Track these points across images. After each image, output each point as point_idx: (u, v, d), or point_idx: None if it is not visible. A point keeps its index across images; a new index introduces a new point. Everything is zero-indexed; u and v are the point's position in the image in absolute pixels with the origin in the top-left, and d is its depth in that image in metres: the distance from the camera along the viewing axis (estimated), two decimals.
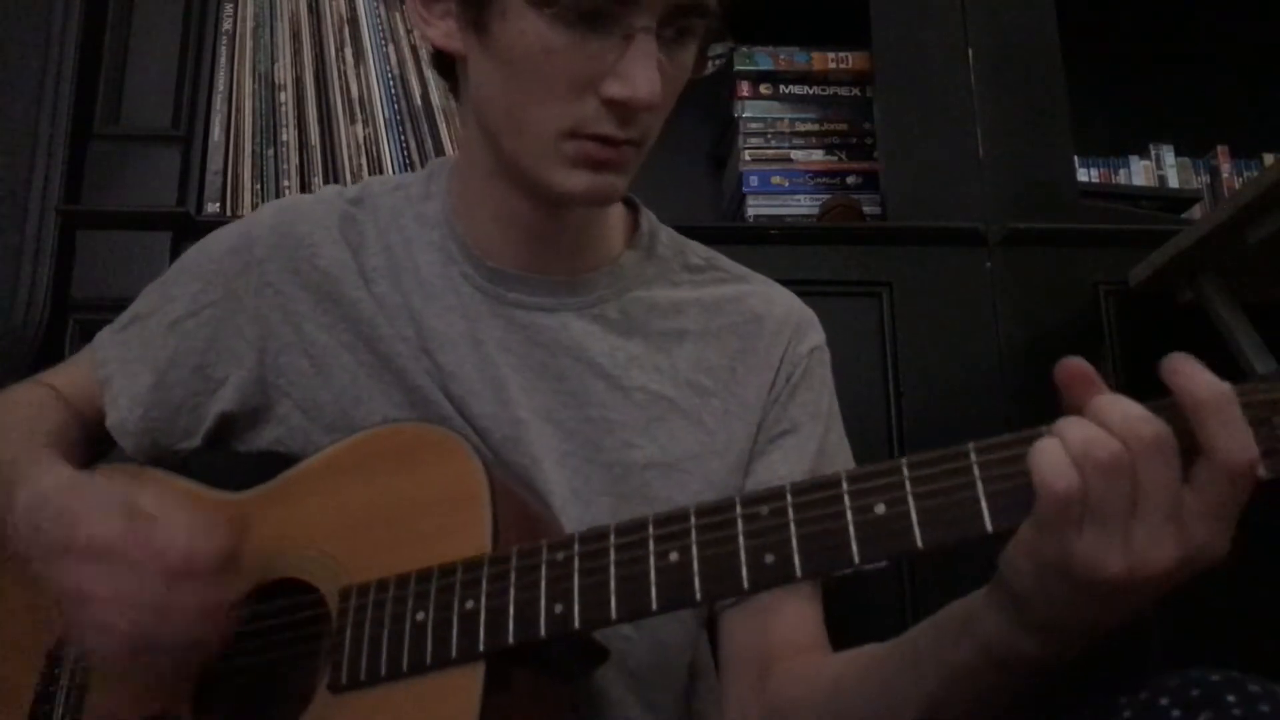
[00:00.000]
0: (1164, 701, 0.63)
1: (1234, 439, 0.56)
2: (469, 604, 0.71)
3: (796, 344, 0.99)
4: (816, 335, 1.01)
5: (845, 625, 0.98)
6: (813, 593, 0.93)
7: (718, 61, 0.89)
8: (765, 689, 0.88)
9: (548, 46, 0.80)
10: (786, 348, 0.98)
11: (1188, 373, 0.57)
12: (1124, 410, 0.57)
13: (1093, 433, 0.57)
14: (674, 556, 0.66)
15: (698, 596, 0.66)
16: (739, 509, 0.65)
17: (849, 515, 0.62)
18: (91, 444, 0.99)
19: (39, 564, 0.78)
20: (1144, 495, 0.56)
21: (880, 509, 0.62)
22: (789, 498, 0.64)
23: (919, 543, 0.61)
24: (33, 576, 0.80)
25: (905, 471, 0.62)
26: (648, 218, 1.03)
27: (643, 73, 0.78)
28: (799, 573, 0.63)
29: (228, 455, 1.00)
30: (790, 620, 0.90)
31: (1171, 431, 0.56)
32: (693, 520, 0.67)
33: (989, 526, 0.60)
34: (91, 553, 0.74)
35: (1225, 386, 0.57)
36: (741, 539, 0.65)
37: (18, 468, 0.86)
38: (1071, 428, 0.58)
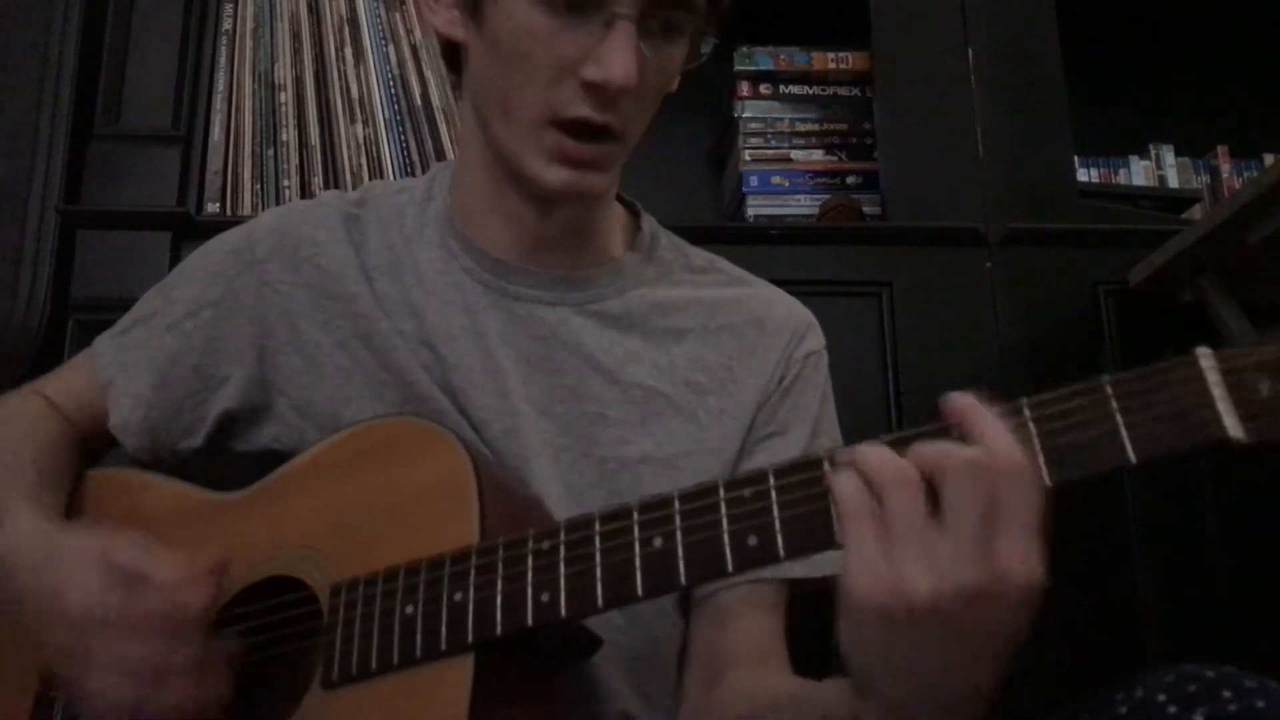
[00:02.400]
0: (1160, 698, 0.64)
1: (1000, 438, 0.57)
2: (457, 596, 0.71)
3: (794, 348, 0.99)
4: (815, 340, 1.01)
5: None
6: (774, 605, 0.93)
7: (705, 54, 0.89)
8: (712, 694, 0.89)
9: (532, 30, 0.82)
10: (784, 351, 0.98)
11: (955, 397, 0.60)
12: (931, 443, 0.59)
13: (887, 455, 0.59)
14: (659, 542, 0.67)
15: (683, 581, 0.66)
16: (722, 493, 0.66)
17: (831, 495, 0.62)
18: (84, 454, 1.00)
19: (27, 627, 0.78)
20: (949, 511, 0.57)
21: None
22: (771, 480, 0.64)
23: None
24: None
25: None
26: (649, 222, 1.04)
27: (620, 57, 0.80)
28: (782, 553, 0.63)
29: (225, 456, 1.00)
30: (749, 630, 0.90)
31: (982, 453, 0.57)
32: (676, 505, 0.67)
33: None
34: (81, 623, 0.74)
35: (978, 406, 0.59)
36: (725, 522, 0.65)
37: None
38: (869, 453, 0.59)
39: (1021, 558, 0.56)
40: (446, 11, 0.91)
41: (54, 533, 0.83)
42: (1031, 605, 0.57)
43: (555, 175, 0.86)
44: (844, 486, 0.59)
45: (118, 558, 0.76)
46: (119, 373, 0.99)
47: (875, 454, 0.59)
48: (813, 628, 0.94)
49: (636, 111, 0.87)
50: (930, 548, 0.56)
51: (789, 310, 1.02)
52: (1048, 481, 0.59)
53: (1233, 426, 0.56)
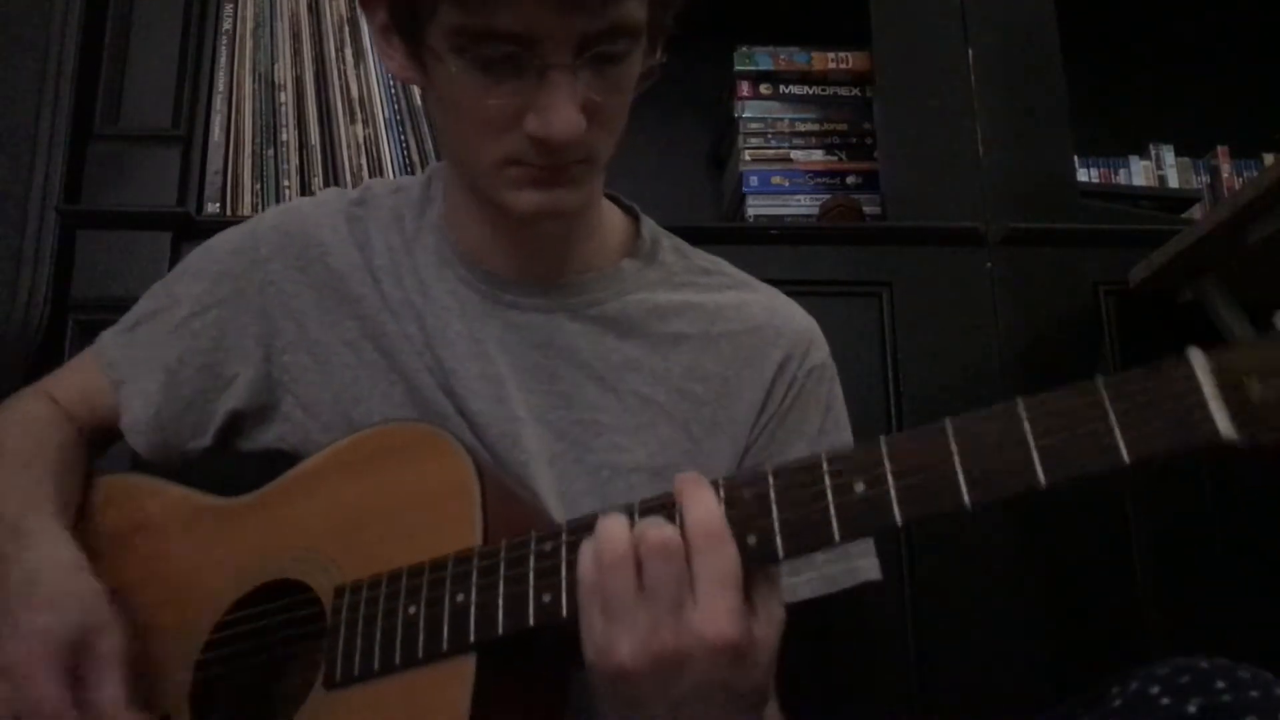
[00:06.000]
0: (1154, 690, 0.64)
1: (695, 509, 0.64)
2: (459, 597, 0.71)
3: (795, 363, 0.96)
4: (818, 353, 0.99)
5: (848, 642, 0.97)
6: None
7: (663, 59, 0.86)
8: None
9: (468, 88, 0.79)
10: (782, 366, 0.96)
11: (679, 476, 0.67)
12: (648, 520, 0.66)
13: (617, 533, 0.65)
14: None
15: None
16: (721, 493, 0.66)
17: (829, 495, 0.63)
18: (89, 456, 1.00)
19: None
20: (648, 587, 0.64)
21: (860, 488, 0.63)
22: (770, 480, 0.65)
23: (898, 519, 0.61)
24: None
25: (884, 450, 0.63)
26: (649, 226, 1.02)
27: (558, 112, 0.77)
28: (780, 553, 0.64)
29: (230, 459, 1.00)
30: None
31: (676, 532, 0.64)
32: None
33: (966, 500, 0.60)
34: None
35: (694, 476, 0.67)
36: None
37: (15, 530, 0.86)
38: (604, 529, 0.66)
39: (712, 623, 0.62)
40: (399, 56, 0.87)
41: (62, 572, 0.83)
42: (745, 660, 0.64)
43: (527, 201, 0.84)
44: (581, 560, 0.66)
45: (96, 641, 0.78)
46: (128, 373, 0.99)
47: (608, 530, 0.65)
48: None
49: (599, 136, 0.83)
50: (635, 618, 0.64)
51: (790, 319, 0.99)
52: (1041, 481, 0.59)
53: (1225, 427, 0.57)
